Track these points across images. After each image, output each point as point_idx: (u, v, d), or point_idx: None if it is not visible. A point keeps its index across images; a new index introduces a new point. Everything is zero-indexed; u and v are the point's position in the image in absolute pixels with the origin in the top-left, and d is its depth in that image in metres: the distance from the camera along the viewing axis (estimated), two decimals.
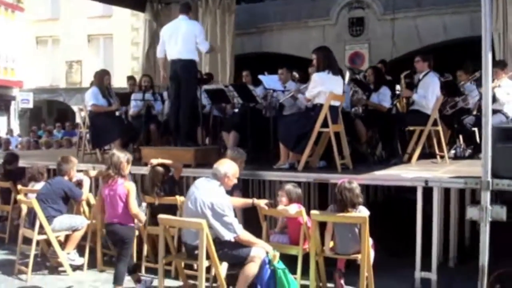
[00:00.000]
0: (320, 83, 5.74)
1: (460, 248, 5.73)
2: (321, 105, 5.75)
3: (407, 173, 5.37)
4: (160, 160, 5.65)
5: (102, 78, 7.63)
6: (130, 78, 8.90)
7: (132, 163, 5.52)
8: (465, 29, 10.87)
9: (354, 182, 4.62)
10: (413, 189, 5.11)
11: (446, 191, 5.29)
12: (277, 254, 4.42)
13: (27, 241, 5.77)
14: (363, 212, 4.57)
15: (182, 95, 6.67)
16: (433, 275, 4.96)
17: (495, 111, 7.09)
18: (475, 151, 7.24)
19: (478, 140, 7.47)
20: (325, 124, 5.73)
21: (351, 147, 6.56)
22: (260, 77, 6.98)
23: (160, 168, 5.61)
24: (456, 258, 5.60)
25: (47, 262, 5.93)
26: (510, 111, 7.10)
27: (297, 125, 5.84)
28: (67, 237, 5.77)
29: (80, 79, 21.86)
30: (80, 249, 5.80)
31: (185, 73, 6.65)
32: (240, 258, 4.40)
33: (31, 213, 5.68)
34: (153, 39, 11.84)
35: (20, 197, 5.94)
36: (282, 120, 6.05)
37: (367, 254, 4.44)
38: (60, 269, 5.75)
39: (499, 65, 7.33)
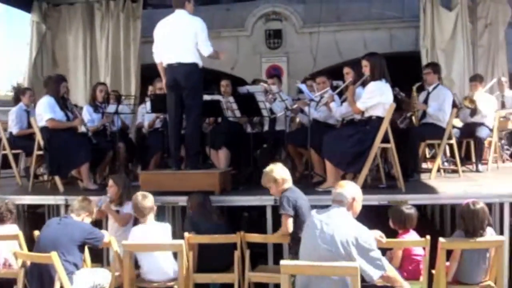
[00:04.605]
0: (378, 94, 5.11)
1: None
2: (378, 118, 5.15)
3: (482, 190, 5.08)
4: None
5: (58, 86, 5.97)
6: None
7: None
8: (384, 45, 11.22)
9: (480, 202, 4.13)
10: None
11: None
12: None
13: None
14: (494, 234, 4.11)
15: (187, 108, 5.48)
16: None
17: (479, 124, 7.28)
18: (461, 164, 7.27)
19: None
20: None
21: None
22: (299, 85, 6.09)
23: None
24: None
25: None
26: (491, 123, 7.31)
27: (352, 141, 5.12)
28: None
29: None
30: None
31: (188, 80, 5.44)
32: None
33: (36, 271, 4.02)
34: (41, 44, 10.09)
35: (15, 249, 4.18)
36: (329, 136, 5.25)
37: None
38: None
39: (477, 78, 7.55)
